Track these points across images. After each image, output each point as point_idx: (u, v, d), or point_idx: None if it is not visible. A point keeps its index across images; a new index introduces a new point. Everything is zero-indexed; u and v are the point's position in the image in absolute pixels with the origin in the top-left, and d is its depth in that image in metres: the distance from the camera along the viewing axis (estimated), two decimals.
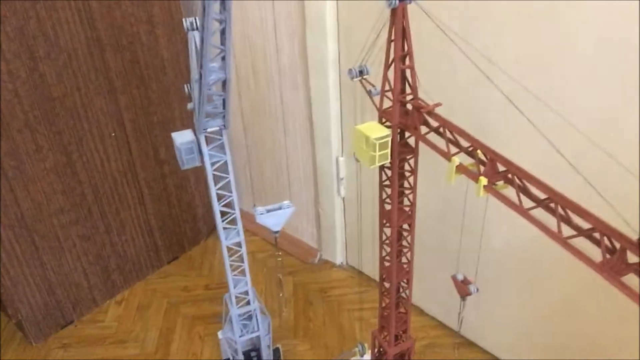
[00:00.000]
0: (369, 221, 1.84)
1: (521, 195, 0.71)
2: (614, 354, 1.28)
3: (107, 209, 1.85)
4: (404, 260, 1.13)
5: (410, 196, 1.04)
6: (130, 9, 1.67)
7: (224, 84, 0.88)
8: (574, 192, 0.66)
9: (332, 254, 2.04)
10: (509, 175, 0.73)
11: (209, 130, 1.07)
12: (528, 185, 0.71)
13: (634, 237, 0.59)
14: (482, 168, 0.78)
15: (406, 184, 1.03)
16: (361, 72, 0.98)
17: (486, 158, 0.76)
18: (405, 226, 1.08)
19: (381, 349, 1.31)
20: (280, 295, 1.25)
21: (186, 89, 1.19)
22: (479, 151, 0.77)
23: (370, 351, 1.37)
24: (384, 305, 1.23)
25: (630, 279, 0.59)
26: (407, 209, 1.05)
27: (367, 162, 0.94)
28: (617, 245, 0.59)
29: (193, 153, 1.11)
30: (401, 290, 1.18)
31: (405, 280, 1.16)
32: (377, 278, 1.93)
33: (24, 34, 1.45)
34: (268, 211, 0.90)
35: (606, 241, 0.60)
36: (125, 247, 1.96)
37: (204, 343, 1.79)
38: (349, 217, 1.92)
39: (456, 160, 0.80)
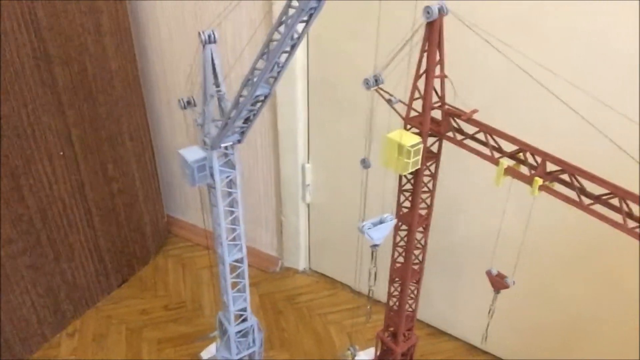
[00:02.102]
0: (335, 225, 1.88)
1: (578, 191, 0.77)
2: None
3: (55, 234, 1.70)
4: (415, 261, 1.17)
5: (428, 200, 1.08)
6: (78, 17, 1.55)
7: (265, 98, 0.86)
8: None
9: (294, 260, 2.04)
10: (564, 176, 0.79)
11: (223, 144, 1.03)
12: (583, 181, 0.77)
13: None
14: (523, 168, 0.84)
15: (425, 188, 1.07)
16: (377, 81, 1.00)
17: (536, 160, 0.82)
18: (420, 228, 1.12)
19: (385, 348, 1.34)
20: (368, 307, 1.25)
21: (181, 104, 1.14)
22: (528, 154, 0.83)
23: (373, 351, 1.40)
24: (391, 305, 1.26)
25: None
26: (424, 211, 1.10)
27: (399, 169, 0.97)
28: None
29: (205, 170, 1.07)
30: (411, 290, 1.22)
31: (415, 281, 1.21)
32: (342, 280, 1.98)
33: None
34: (374, 224, 0.90)
35: None
36: (75, 274, 1.81)
37: None
38: (313, 223, 1.93)
39: (504, 163, 0.85)
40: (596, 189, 0.77)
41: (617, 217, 0.74)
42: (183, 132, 2.00)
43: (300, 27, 0.69)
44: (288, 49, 0.73)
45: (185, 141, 1.97)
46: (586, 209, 0.76)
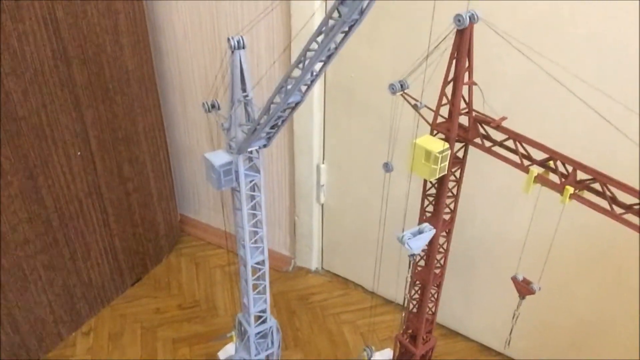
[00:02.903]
0: (348, 225, 1.89)
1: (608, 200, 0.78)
2: None
3: (72, 234, 1.71)
4: (437, 265, 1.18)
5: (452, 205, 1.09)
6: (96, 18, 1.55)
7: (297, 105, 0.87)
8: None
9: (307, 260, 2.05)
10: (592, 185, 0.80)
11: (249, 149, 1.04)
12: (614, 190, 0.78)
13: None
14: (553, 176, 0.84)
15: (449, 193, 1.07)
16: (402, 87, 1.00)
17: (566, 169, 0.83)
18: (443, 233, 1.13)
19: (404, 350, 1.35)
20: (403, 317, 1.26)
21: (206, 107, 1.14)
22: (558, 162, 0.83)
23: (389, 352, 1.41)
24: (411, 308, 1.27)
25: None
26: (447, 216, 1.10)
27: (426, 175, 0.98)
28: None
29: (231, 174, 1.07)
30: (431, 294, 1.23)
31: (436, 285, 1.22)
32: (355, 280, 1.99)
33: None
34: (413, 235, 0.90)
35: None
36: (90, 273, 1.82)
37: None
38: (326, 223, 1.94)
39: (534, 171, 0.86)
40: (627, 198, 0.77)
41: None
42: (197, 132, 2.02)
43: (339, 37, 0.69)
44: (324, 58, 0.74)
45: (201, 141, 2.00)
46: (618, 218, 0.77)
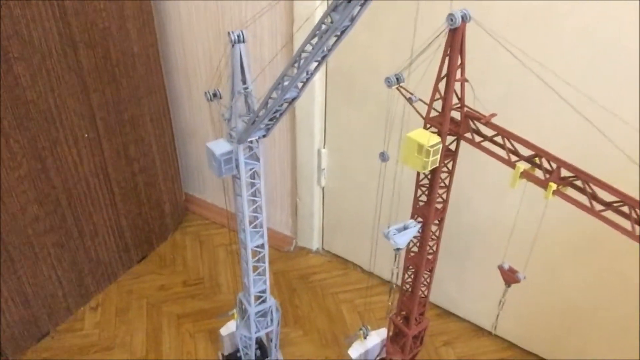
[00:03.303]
0: (348, 208, 1.93)
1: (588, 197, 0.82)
2: None
3: (80, 213, 1.76)
4: (429, 251, 1.23)
5: (444, 195, 1.13)
6: (102, 3, 1.58)
7: (293, 100, 0.91)
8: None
9: (308, 240, 2.10)
10: (576, 182, 0.83)
11: (249, 139, 1.08)
12: (595, 188, 0.82)
13: None
14: (538, 172, 0.88)
15: (441, 184, 1.11)
16: (398, 80, 1.03)
17: (550, 165, 0.87)
18: (435, 221, 1.17)
19: (398, 331, 1.40)
20: (390, 304, 1.32)
21: (208, 96, 1.17)
22: (544, 159, 0.87)
23: (384, 332, 1.47)
24: (404, 291, 1.32)
25: None
26: (439, 206, 1.14)
27: (419, 167, 1.01)
28: None
29: (231, 163, 1.11)
30: (424, 278, 1.28)
31: (428, 270, 1.26)
32: (354, 261, 2.05)
33: None
34: (398, 230, 0.95)
35: None
36: (98, 250, 1.89)
37: (196, 341, 1.79)
38: (327, 205, 1.99)
39: (521, 167, 0.89)
40: (608, 196, 0.81)
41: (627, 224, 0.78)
42: (202, 114, 2.05)
43: (332, 40, 0.72)
44: (319, 59, 0.77)
45: (206, 122, 2.04)
46: (597, 214, 0.81)
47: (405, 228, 0.97)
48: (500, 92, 1.31)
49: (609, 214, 0.81)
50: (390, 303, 1.32)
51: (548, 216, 0.99)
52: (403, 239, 0.95)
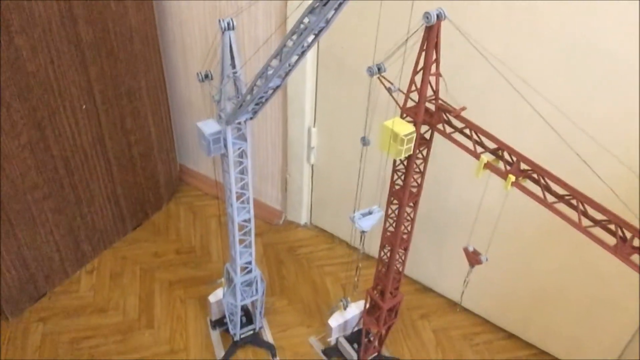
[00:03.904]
0: (336, 185, 2.01)
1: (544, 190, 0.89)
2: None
3: (77, 181, 1.84)
4: (404, 231, 1.30)
5: (419, 179, 1.20)
6: None
7: (277, 88, 0.97)
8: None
9: (296, 215, 2.18)
10: (534, 175, 0.91)
11: (237, 121, 1.14)
12: (549, 182, 0.89)
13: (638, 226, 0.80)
14: (502, 164, 0.95)
15: (416, 169, 1.18)
16: (379, 70, 1.10)
17: (511, 158, 0.94)
18: (410, 204, 1.24)
19: (374, 304, 1.50)
20: (356, 279, 1.41)
21: (199, 77, 1.23)
22: (505, 153, 0.94)
23: (361, 305, 1.56)
24: (380, 267, 1.41)
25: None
26: (414, 189, 1.22)
27: (394, 154, 1.08)
28: (628, 234, 0.80)
29: (220, 142, 1.18)
30: (398, 255, 1.36)
31: (403, 248, 1.35)
32: (340, 236, 2.13)
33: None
34: (363, 215, 1.02)
35: (619, 231, 0.80)
36: (94, 217, 1.97)
37: (186, 306, 1.88)
38: (315, 182, 2.06)
39: (484, 158, 0.96)
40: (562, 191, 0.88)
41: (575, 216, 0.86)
42: (197, 88, 2.10)
43: (310, 38, 0.79)
44: (299, 53, 0.83)
45: (201, 98, 2.09)
46: (549, 206, 0.88)
47: (370, 213, 1.04)
48: (478, 85, 1.37)
49: (561, 206, 0.89)
50: (356, 279, 1.41)
51: (520, 204, 1.06)
52: (367, 223, 1.03)
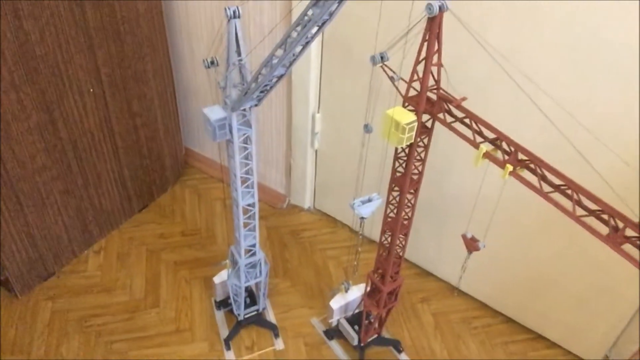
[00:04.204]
0: (339, 170, 2.03)
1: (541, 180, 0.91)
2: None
3: (85, 163, 1.87)
4: (405, 217, 1.33)
5: (420, 167, 1.22)
6: None
7: (281, 77, 0.99)
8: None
9: (300, 199, 2.21)
10: (531, 165, 0.93)
11: (242, 107, 1.17)
12: (546, 172, 0.91)
13: (631, 217, 0.82)
14: (500, 154, 0.97)
15: (417, 157, 1.21)
16: (382, 59, 1.11)
17: (509, 148, 0.96)
18: (411, 190, 1.27)
19: (374, 287, 1.53)
20: (355, 263, 1.44)
21: (205, 63, 1.25)
22: (504, 143, 0.96)
23: (363, 288, 1.60)
24: (381, 252, 1.44)
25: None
26: (415, 177, 1.24)
27: (395, 142, 1.11)
28: (620, 224, 0.82)
29: (225, 128, 1.21)
30: (399, 241, 1.39)
31: (403, 233, 1.38)
32: (342, 220, 2.16)
33: None
34: (363, 202, 1.05)
35: (612, 221, 0.83)
36: (101, 199, 2.00)
37: (192, 286, 1.93)
38: (319, 167, 2.09)
39: (483, 148, 0.99)
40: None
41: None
42: (203, 72, 2.12)
43: (314, 29, 0.81)
44: (303, 44, 0.85)
45: (206, 82, 2.11)
46: (544, 195, 0.91)
47: (369, 200, 1.07)
48: (480, 75, 1.38)
49: (556, 196, 0.91)
50: (355, 263, 1.44)
51: (519, 192, 1.08)
52: (367, 210, 1.06)
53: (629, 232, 0.83)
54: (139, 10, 1.80)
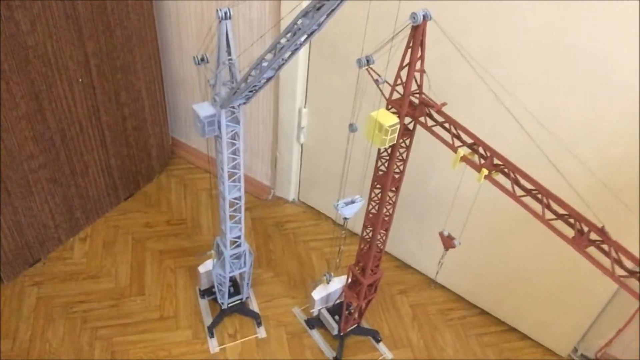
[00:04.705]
0: (324, 164, 2.08)
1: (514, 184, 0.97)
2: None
3: (72, 152, 1.89)
4: (386, 214, 1.38)
5: (401, 167, 1.27)
6: None
7: (270, 78, 1.03)
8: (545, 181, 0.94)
9: (285, 191, 2.25)
10: (505, 170, 0.98)
11: (231, 105, 1.20)
12: (519, 177, 0.97)
13: (595, 222, 0.88)
14: (477, 158, 1.03)
15: (399, 157, 1.25)
16: (368, 62, 1.16)
17: (485, 153, 1.01)
18: (393, 189, 1.32)
19: (355, 279, 1.59)
20: (338, 261, 1.49)
21: (196, 60, 1.28)
22: (480, 148, 1.01)
23: (342, 279, 1.65)
24: (362, 246, 1.49)
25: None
26: (396, 176, 1.29)
27: (378, 143, 1.16)
28: (585, 228, 0.88)
29: (214, 125, 1.24)
30: (380, 236, 1.44)
31: (384, 229, 1.43)
32: (326, 213, 2.21)
33: None
34: (346, 204, 1.10)
35: (578, 225, 0.89)
36: (88, 187, 2.02)
37: (176, 275, 1.97)
38: (304, 160, 2.13)
39: (461, 152, 1.04)
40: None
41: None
42: (191, 64, 2.14)
43: (303, 37, 0.85)
44: (292, 50, 0.89)
45: (194, 74, 2.13)
46: (516, 198, 0.96)
47: (352, 202, 1.12)
48: (462, 81, 1.42)
49: (528, 200, 0.97)
50: (338, 260, 1.49)
51: (495, 193, 1.14)
52: (350, 211, 1.11)
53: (593, 236, 0.89)
54: (129, 3, 1.82)
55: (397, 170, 1.28)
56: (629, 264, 0.88)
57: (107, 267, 1.98)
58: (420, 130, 1.19)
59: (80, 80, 1.78)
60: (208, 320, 1.81)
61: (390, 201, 1.35)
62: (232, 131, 1.29)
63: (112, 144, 2.03)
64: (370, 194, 1.34)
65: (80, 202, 2.02)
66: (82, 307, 1.83)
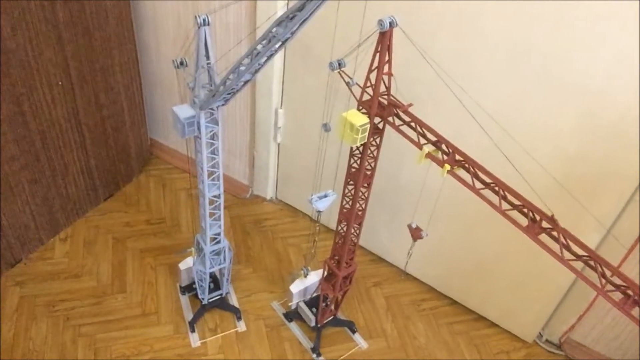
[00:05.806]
0: (300, 162, 2.15)
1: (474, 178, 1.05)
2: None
3: (52, 153, 1.92)
4: (359, 208, 1.46)
5: (373, 164, 1.35)
6: None
7: (247, 81, 1.09)
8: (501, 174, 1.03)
9: (263, 189, 2.32)
10: (466, 165, 1.07)
11: (210, 107, 1.26)
12: (478, 172, 1.05)
13: (546, 212, 0.97)
14: (440, 155, 1.11)
15: (370, 155, 1.33)
16: (340, 65, 1.23)
17: (448, 150, 1.10)
18: (365, 184, 1.40)
19: (331, 272, 1.66)
20: (312, 251, 1.55)
21: (175, 63, 1.34)
22: (443, 145, 1.09)
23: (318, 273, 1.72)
24: (337, 240, 1.57)
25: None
26: (368, 172, 1.37)
27: (349, 142, 1.23)
28: (537, 217, 0.97)
29: (194, 126, 1.30)
30: (354, 229, 1.52)
31: (357, 223, 1.51)
32: (303, 210, 2.28)
33: None
34: (320, 198, 1.16)
35: (530, 214, 0.98)
36: (68, 188, 2.06)
37: (157, 272, 2.01)
38: (281, 159, 2.20)
39: (426, 149, 1.12)
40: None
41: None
42: (169, 65, 2.19)
43: (277, 44, 0.91)
44: (267, 56, 0.96)
45: (170, 75, 2.18)
46: (475, 191, 1.05)
47: (325, 196, 1.19)
48: (428, 81, 1.50)
49: (486, 192, 1.06)
50: (313, 252, 1.56)
51: (460, 186, 1.22)
52: (323, 204, 1.18)
53: (545, 225, 0.98)
54: (107, 6, 1.86)
55: (368, 167, 1.36)
56: (577, 250, 0.97)
57: (89, 266, 2.01)
58: (390, 129, 1.27)
59: (60, 83, 1.82)
60: (189, 315, 1.86)
61: (362, 196, 1.42)
62: (211, 131, 1.35)
63: (91, 145, 2.07)
64: (344, 190, 1.42)
65: (60, 202, 2.06)
66: (65, 306, 1.87)
